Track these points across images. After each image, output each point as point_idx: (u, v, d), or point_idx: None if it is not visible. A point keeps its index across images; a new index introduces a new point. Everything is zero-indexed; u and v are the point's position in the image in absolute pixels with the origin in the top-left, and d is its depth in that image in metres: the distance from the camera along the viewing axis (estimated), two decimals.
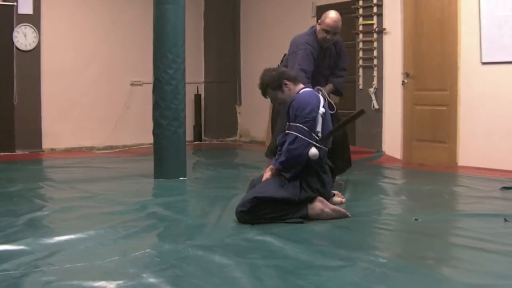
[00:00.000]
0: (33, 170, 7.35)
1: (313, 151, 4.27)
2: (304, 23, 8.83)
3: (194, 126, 11.09)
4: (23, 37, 8.98)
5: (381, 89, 8.51)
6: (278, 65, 5.81)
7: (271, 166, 4.54)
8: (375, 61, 8.58)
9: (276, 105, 4.71)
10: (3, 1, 8.77)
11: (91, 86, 9.81)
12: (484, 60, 7.29)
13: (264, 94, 4.67)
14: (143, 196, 5.46)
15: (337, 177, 5.22)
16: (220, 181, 6.49)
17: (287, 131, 4.44)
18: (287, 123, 4.50)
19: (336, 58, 6.02)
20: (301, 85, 4.64)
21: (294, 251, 3.48)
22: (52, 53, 9.30)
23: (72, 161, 8.21)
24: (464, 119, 7.55)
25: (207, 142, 11.23)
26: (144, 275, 3.02)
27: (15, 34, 8.88)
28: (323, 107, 4.47)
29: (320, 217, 4.34)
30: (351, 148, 6.49)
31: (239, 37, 11.49)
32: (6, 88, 8.91)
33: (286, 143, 4.35)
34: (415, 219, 4.38)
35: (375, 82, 8.56)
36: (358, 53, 8.82)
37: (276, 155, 4.54)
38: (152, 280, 2.96)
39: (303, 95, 4.49)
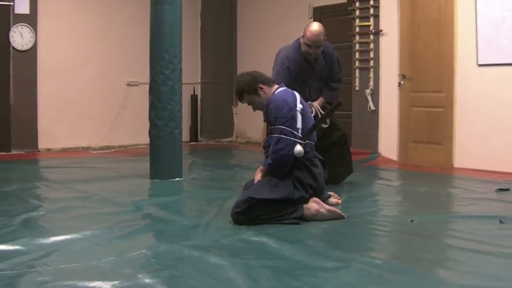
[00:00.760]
0: (29, 170, 7.34)
1: (298, 148, 4.28)
2: (301, 24, 8.76)
3: (190, 127, 11.09)
4: (20, 37, 8.97)
5: (377, 91, 8.52)
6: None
7: (261, 167, 4.56)
8: (371, 63, 8.58)
9: (253, 109, 4.71)
10: None
11: (88, 86, 9.80)
12: (480, 62, 7.30)
13: (241, 99, 4.70)
14: (139, 196, 5.46)
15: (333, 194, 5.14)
16: (216, 182, 6.49)
17: (270, 135, 4.46)
18: (269, 127, 4.52)
19: (328, 69, 5.94)
20: (276, 86, 4.65)
21: (289, 252, 3.48)
22: (48, 53, 9.29)
23: (68, 161, 8.20)
24: (460, 121, 7.57)
25: (203, 142, 11.23)
26: (139, 276, 3.01)
27: (11, 34, 8.87)
28: (300, 103, 4.49)
29: (315, 218, 4.34)
30: None
31: (235, 38, 11.49)
32: (2, 88, 8.91)
33: (271, 146, 4.36)
34: (411, 221, 4.38)
35: (371, 83, 8.56)
36: (355, 54, 8.82)
37: (264, 158, 4.58)
38: (147, 280, 2.95)
39: (278, 96, 4.51)
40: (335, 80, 6.02)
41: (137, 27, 9.67)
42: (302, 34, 5.64)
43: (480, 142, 7.34)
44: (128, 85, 10.25)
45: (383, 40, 8.45)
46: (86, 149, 9.75)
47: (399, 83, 8.18)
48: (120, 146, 10.08)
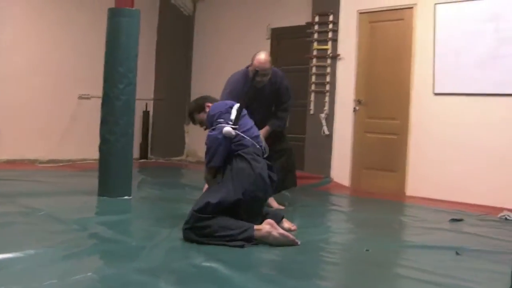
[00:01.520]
0: None
1: (226, 128, 4.42)
2: (259, 45, 8.81)
3: (140, 144, 10.90)
4: None
5: (332, 115, 8.52)
6: None
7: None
8: (327, 87, 8.59)
9: (204, 129, 4.85)
10: None
11: (37, 96, 9.52)
12: (436, 91, 7.36)
13: (193, 121, 5.07)
14: (86, 214, 5.26)
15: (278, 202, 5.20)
16: (166, 202, 6.35)
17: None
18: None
19: (274, 97, 5.99)
20: None
21: (242, 279, 3.35)
22: None
23: (13, 173, 7.91)
24: (414, 149, 7.61)
25: (153, 160, 11.05)
26: None
27: None
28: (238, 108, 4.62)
29: (266, 240, 4.22)
30: (299, 173, 6.52)
31: (191, 56, 11.40)
32: None
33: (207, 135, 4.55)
34: (366, 250, 4.32)
35: (326, 107, 8.56)
36: (311, 77, 8.82)
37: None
38: None
39: (211, 108, 4.72)
40: (282, 109, 6.07)
41: (92, 38, 9.47)
42: (250, 62, 5.74)
43: (434, 171, 7.39)
44: (80, 98, 10.01)
45: (340, 65, 8.47)
46: (33, 161, 9.45)
47: (354, 108, 8.19)
48: (68, 160, 9.82)
